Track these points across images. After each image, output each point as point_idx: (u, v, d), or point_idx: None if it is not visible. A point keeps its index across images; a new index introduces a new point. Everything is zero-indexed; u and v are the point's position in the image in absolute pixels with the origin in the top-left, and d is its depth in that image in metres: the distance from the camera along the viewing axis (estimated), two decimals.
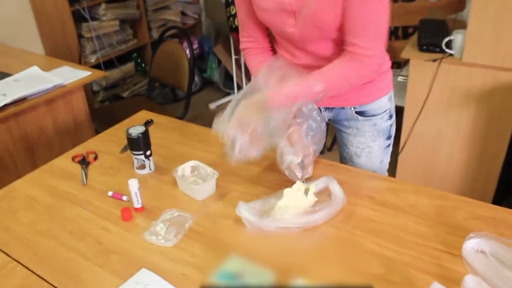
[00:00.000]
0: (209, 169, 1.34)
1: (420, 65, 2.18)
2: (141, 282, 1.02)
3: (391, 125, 1.50)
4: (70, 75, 2.26)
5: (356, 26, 1.18)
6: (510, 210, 1.17)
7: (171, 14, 4.07)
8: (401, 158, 2.46)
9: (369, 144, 1.50)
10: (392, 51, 1.23)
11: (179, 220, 1.20)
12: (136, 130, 1.39)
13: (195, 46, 4.30)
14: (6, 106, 1.94)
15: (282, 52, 1.43)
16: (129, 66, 3.85)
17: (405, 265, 1.03)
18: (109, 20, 3.46)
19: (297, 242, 1.12)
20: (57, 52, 3.33)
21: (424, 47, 2.19)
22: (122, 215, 1.23)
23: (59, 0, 3.09)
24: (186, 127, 1.71)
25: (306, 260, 1.07)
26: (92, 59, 3.44)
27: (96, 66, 3.37)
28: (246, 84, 4.01)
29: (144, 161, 1.42)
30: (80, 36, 3.32)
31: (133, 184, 1.23)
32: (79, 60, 3.31)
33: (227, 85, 4.18)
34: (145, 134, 1.40)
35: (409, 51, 2.23)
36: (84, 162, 1.49)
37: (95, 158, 1.52)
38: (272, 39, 1.48)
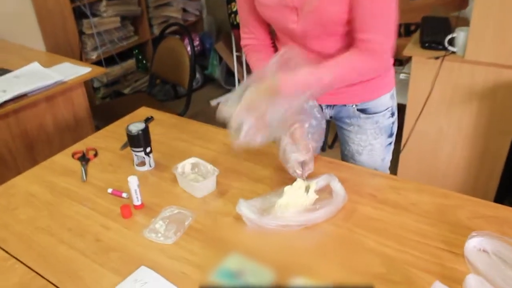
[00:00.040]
0: (210, 166, 1.33)
1: (422, 63, 2.17)
2: (140, 280, 1.01)
3: (393, 123, 1.49)
4: (71, 71, 2.25)
5: (368, 22, 1.17)
6: None
7: (172, 11, 4.06)
8: (402, 156, 2.45)
9: (371, 142, 1.49)
10: (394, 48, 1.22)
11: (179, 218, 1.20)
12: (136, 127, 1.38)
13: (196, 43, 4.29)
14: (6, 102, 1.93)
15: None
16: (130, 62, 3.84)
17: (407, 264, 1.02)
18: (110, 17, 3.45)
19: (298, 240, 1.11)
20: (58, 48, 3.32)
21: (427, 45, 2.17)
22: (121, 212, 1.22)
23: None
24: (187, 124, 1.70)
25: (306, 258, 1.06)
26: (93, 56, 3.43)
27: (97, 63, 3.36)
28: None
29: (144, 158, 1.41)
30: (81, 32, 3.31)
31: (133, 181, 1.22)
32: (80, 57, 3.30)
33: (228, 82, 4.17)
34: (145, 131, 1.39)
35: (411, 48, 2.22)
36: (84, 159, 1.48)
37: (95, 155, 1.52)
38: (273, 36, 1.47)
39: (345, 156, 1.58)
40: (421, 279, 0.98)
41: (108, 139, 1.61)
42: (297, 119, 1.24)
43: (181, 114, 2.62)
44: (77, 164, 1.47)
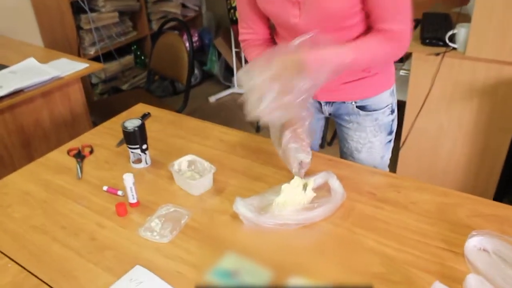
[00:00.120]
0: (206, 164, 1.31)
1: (423, 59, 2.15)
2: (135, 279, 1.00)
3: (392, 120, 1.47)
4: (68, 67, 2.23)
5: (387, 12, 1.16)
6: None
7: (171, 6, 4.03)
8: (402, 153, 2.43)
9: (370, 139, 1.47)
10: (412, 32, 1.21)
11: (175, 216, 1.18)
12: (132, 124, 1.36)
13: (195, 38, 4.27)
14: (2, 98, 1.91)
15: None
16: (129, 58, 3.82)
17: (406, 263, 1.00)
18: (108, 12, 3.42)
19: (295, 239, 1.09)
20: (56, 44, 3.30)
21: (427, 41, 2.16)
22: (117, 210, 1.20)
23: None
24: (184, 120, 1.68)
25: (304, 257, 1.04)
26: (91, 51, 3.40)
27: (95, 59, 3.34)
28: None
29: (140, 155, 1.39)
30: (79, 28, 3.29)
31: (128, 179, 1.20)
32: (78, 52, 3.27)
33: (227, 78, 4.15)
34: (141, 127, 1.37)
35: (411, 44, 2.20)
36: (79, 156, 1.47)
37: (91, 152, 1.50)
38: (272, 31, 1.44)
39: (344, 154, 1.56)
40: (421, 279, 0.96)
41: (104, 136, 1.60)
42: (299, 116, 1.22)
43: (179, 110, 2.60)
44: (72, 161, 1.45)
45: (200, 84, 4.27)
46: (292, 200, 1.14)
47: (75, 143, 1.55)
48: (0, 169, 1.97)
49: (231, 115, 3.71)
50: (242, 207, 1.12)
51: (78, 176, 1.38)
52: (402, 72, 2.49)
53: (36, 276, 1.02)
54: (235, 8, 3.40)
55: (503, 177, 2.22)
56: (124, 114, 1.74)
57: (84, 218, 1.20)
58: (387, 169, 1.58)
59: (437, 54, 2.09)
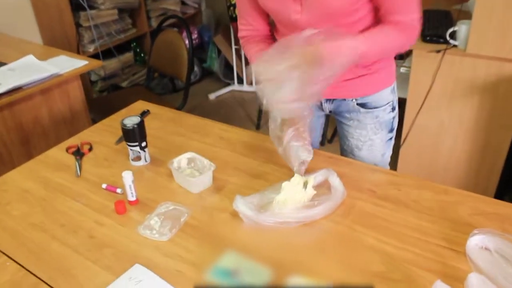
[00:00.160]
0: (206, 161, 1.30)
1: (423, 56, 2.14)
2: (134, 278, 0.99)
3: (393, 118, 1.47)
4: (67, 64, 2.22)
5: (398, 5, 1.18)
6: None
7: (171, 3, 4.02)
8: (402, 150, 2.43)
9: (371, 137, 1.46)
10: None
11: (174, 214, 1.17)
12: (131, 121, 1.36)
13: (195, 36, 4.26)
14: (0, 95, 1.90)
15: None
16: (128, 55, 3.80)
17: (407, 262, 1.00)
18: (108, 9, 3.41)
19: (295, 237, 1.09)
20: (55, 41, 3.28)
21: (428, 38, 2.15)
22: (116, 208, 1.19)
23: None
24: (183, 117, 1.67)
25: (304, 256, 1.03)
26: (90, 49, 3.39)
27: (95, 56, 3.32)
28: (247, 74, 3.97)
29: (139, 152, 1.38)
30: (78, 25, 3.27)
31: (127, 177, 1.20)
32: (77, 50, 3.26)
33: (227, 76, 4.14)
34: (141, 125, 1.36)
35: None
36: (78, 153, 1.46)
37: (90, 149, 1.49)
38: (272, 27, 1.43)
39: (345, 151, 1.56)
40: (422, 278, 0.96)
41: (103, 133, 1.59)
42: (301, 114, 1.21)
43: (179, 107, 2.59)
44: (71, 159, 1.44)
45: (199, 81, 4.26)
46: (293, 198, 1.14)
47: (74, 141, 1.54)
48: None
49: (231, 112, 3.70)
50: (242, 205, 1.12)
51: (77, 173, 1.37)
52: (402, 69, 2.49)
53: (34, 275, 1.02)
54: (234, 5, 3.39)
55: (504, 174, 2.22)
56: (123, 111, 1.73)
57: (83, 216, 1.20)
58: (388, 167, 1.57)
59: (438, 51, 2.08)
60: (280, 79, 1.07)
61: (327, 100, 1.46)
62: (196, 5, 4.35)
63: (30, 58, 2.22)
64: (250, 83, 4.02)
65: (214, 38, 4.04)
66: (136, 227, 1.13)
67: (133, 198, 1.22)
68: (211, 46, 4.15)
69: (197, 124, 1.61)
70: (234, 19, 3.52)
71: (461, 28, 2.04)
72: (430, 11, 2.41)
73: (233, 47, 3.87)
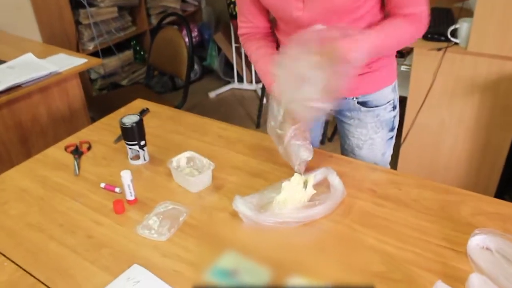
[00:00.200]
0: (205, 160, 1.29)
1: (424, 54, 2.13)
2: (133, 278, 0.98)
3: (394, 117, 1.46)
4: (66, 62, 2.21)
5: None
6: None
7: (171, 1, 4.01)
8: (403, 149, 2.42)
9: (371, 136, 1.45)
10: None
11: (173, 213, 1.16)
12: (130, 120, 1.35)
13: (195, 33, 4.24)
14: None
15: (284, 40, 1.37)
16: (128, 53, 3.79)
17: (407, 262, 0.99)
18: (107, 7, 3.40)
19: (295, 237, 1.08)
20: (55, 39, 3.27)
21: (429, 36, 2.13)
22: (114, 207, 1.19)
23: None
24: (183, 116, 1.67)
25: (304, 256, 1.02)
26: (90, 47, 3.38)
27: (94, 54, 3.31)
28: (246, 73, 3.96)
29: (138, 151, 1.37)
30: (77, 23, 3.26)
31: (126, 176, 1.19)
32: (77, 48, 3.25)
33: (227, 74, 4.13)
34: (140, 123, 1.35)
35: None
36: (77, 152, 1.45)
37: (89, 148, 1.48)
38: (273, 25, 1.41)
39: (345, 150, 1.55)
40: (423, 278, 0.95)
41: (102, 132, 1.58)
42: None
43: (179, 106, 2.58)
44: (70, 158, 1.44)
45: (200, 79, 4.25)
46: (293, 198, 1.13)
47: (72, 139, 1.53)
48: None
49: (231, 110, 3.69)
50: (241, 205, 1.11)
51: (75, 172, 1.36)
52: (403, 68, 2.47)
53: (32, 275, 1.01)
54: (234, 3, 3.38)
55: (504, 173, 2.21)
56: (122, 110, 1.73)
57: (81, 215, 1.19)
58: (388, 166, 1.56)
59: (439, 49, 2.07)
60: (302, 77, 1.06)
61: None
62: (196, 3, 4.34)
63: (29, 56, 2.22)
64: (250, 81, 4.01)
65: (214, 36, 4.03)
66: (134, 227, 1.13)
67: (131, 198, 1.21)
68: (211, 44, 4.14)
69: (197, 122, 1.60)
70: (234, 17, 3.50)
71: (462, 26, 2.03)
72: (431, 9, 2.38)
73: (233, 45, 3.85)
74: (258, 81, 3.94)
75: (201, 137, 1.50)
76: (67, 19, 3.16)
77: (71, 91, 2.23)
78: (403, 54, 2.87)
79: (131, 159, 1.40)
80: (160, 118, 1.65)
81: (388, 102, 1.41)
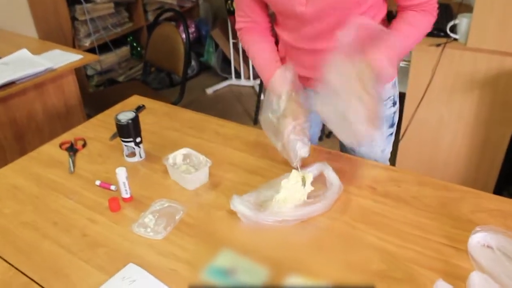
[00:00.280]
0: (202, 157, 1.27)
1: (423, 50, 2.11)
2: (128, 277, 0.96)
3: (394, 113, 1.44)
4: (61, 58, 2.19)
5: None
6: None
7: None
8: (401, 145, 2.40)
9: None
10: None
11: (169, 211, 1.14)
12: (126, 116, 1.33)
13: (192, 29, 4.22)
14: None
15: (284, 35, 1.34)
16: (125, 50, 3.76)
17: (408, 260, 0.97)
18: (104, 3, 3.36)
19: (294, 235, 1.06)
20: (51, 35, 3.24)
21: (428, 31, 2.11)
22: (109, 205, 1.17)
23: None
24: (179, 112, 1.64)
25: (303, 255, 1.01)
26: (86, 43, 3.35)
27: (91, 50, 3.28)
28: (244, 69, 3.94)
29: (134, 148, 1.35)
30: (74, 19, 3.23)
31: (121, 173, 1.17)
32: (73, 44, 3.22)
33: (224, 70, 4.10)
34: (135, 120, 1.33)
35: None
36: (71, 149, 1.43)
37: (84, 145, 1.46)
38: (272, 19, 1.39)
39: (344, 147, 1.53)
40: (423, 276, 0.93)
41: (97, 129, 1.56)
42: (301, 111, 1.19)
43: (176, 102, 2.56)
44: (65, 155, 1.41)
45: (197, 75, 4.22)
46: (292, 197, 1.11)
47: (67, 136, 1.51)
48: None
49: (229, 107, 3.67)
50: (239, 205, 1.09)
51: (70, 170, 1.34)
52: (402, 64, 2.46)
53: (25, 274, 0.99)
54: None
55: (503, 169, 2.20)
56: (118, 106, 1.70)
57: (75, 213, 1.17)
58: (388, 163, 1.54)
59: (438, 45, 2.05)
60: (352, 97, 1.02)
61: None
62: None
63: (24, 52, 2.19)
64: (248, 78, 3.99)
65: (212, 32, 4.00)
66: (130, 225, 1.11)
67: (127, 195, 1.19)
68: (208, 40, 4.11)
69: (193, 119, 1.58)
70: (231, 13, 3.48)
71: (461, 21, 2.02)
72: None
73: (231, 41, 3.83)
74: (255, 77, 3.92)
75: (198, 133, 1.48)
76: (63, 15, 3.13)
77: (67, 88, 2.21)
78: None
79: (126, 156, 1.38)
80: (156, 114, 1.63)
81: (388, 98, 1.39)
